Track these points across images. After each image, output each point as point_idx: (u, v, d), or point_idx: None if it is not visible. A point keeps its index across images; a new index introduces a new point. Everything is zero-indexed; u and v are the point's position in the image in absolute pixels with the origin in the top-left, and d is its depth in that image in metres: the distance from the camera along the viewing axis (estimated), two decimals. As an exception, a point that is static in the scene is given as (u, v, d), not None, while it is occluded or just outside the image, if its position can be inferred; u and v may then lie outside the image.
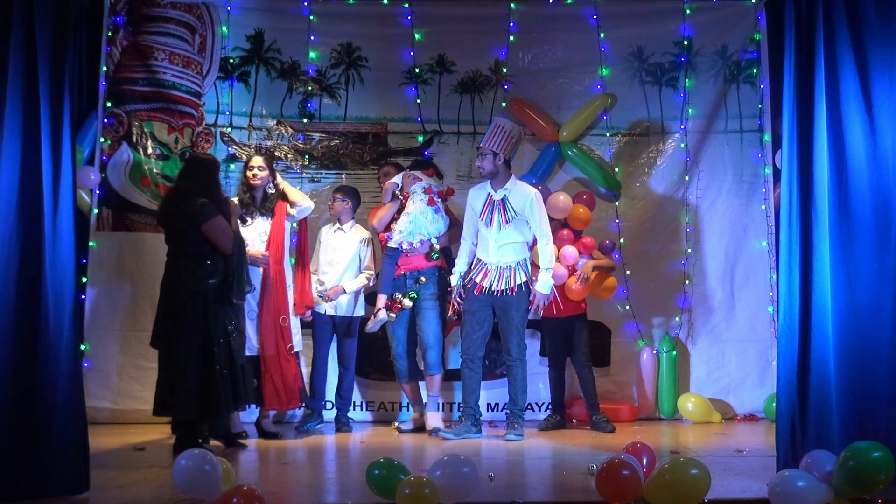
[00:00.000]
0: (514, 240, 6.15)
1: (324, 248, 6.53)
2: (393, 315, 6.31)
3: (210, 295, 5.43)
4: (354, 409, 6.74)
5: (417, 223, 6.27)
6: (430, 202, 6.31)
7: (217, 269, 5.45)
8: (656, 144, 7.20)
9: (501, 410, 6.71)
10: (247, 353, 5.91)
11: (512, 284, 6.09)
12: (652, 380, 6.95)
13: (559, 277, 6.45)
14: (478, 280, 6.15)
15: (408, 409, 6.73)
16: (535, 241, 6.21)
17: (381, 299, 6.32)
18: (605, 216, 7.04)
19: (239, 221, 5.87)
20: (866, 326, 4.36)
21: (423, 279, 6.32)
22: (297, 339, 6.20)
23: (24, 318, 4.19)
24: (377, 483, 4.08)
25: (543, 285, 6.12)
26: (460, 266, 6.28)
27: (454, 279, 6.27)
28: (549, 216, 6.32)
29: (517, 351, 6.13)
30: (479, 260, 6.23)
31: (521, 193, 6.16)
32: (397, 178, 6.48)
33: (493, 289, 6.10)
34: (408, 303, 6.31)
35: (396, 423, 6.63)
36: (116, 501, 4.27)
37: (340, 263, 6.47)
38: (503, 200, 6.13)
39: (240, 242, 5.63)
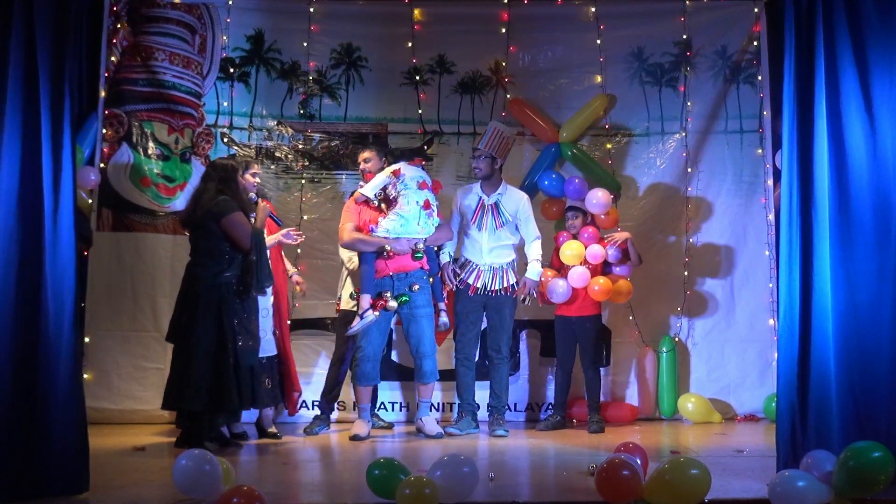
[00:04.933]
0: (506, 242, 6.36)
1: (340, 249, 6.43)
2: (377, 313, 5.99)
3: (224, 289, 5.55)
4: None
5: (407, 227, 6.03)
6: (426, 205, 6.04)
7: (233, 265, 5.60)
8: (656, 144, 7.20)
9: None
10: (267, 355, 5.99)
11: (506, 284, 6.30)
12: (652, 380, 6.96)
13: (581, 279, 6.47)
14: (471, 281, 6.29)
15: (375, 413, 6.59)
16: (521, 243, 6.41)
17: (366, 299, 5.99)
18: (606, 216, 7.04)
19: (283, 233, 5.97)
20: (866, 326, 4.36)
21: (417, 287, 6.09)
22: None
23: (24, 318, 4.18)
24: (377, 483, 4.08)
25: (533, 272, 6.32)
26: (450, 248, 6.39)
27: (444, 257, 6.36)
28: (586, 212, 6.61)
29: (507, 350, 6.38)
30: (468, 261, 6.34)
31: (514, 197, 6.38)
32: (368, 190, 6.09)
33: (487, 289, 6.26)
34: (393, 304, 5.99)
35: (355, 432, 6.07)
36: (116, 501, 4.27)
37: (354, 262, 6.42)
38: (496, 205, 6.30)
39: (260, 240, 5.68)
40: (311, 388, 6.79)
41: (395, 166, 6.15)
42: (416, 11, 7.10)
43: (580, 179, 6.78)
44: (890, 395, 4.31)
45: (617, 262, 6.63)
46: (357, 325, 6.02)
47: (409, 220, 6.02)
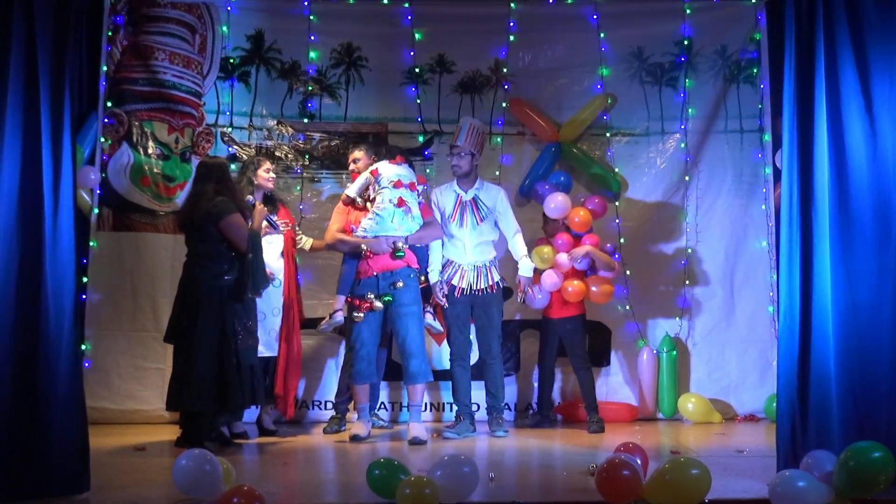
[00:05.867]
0: (488, 238, 6.35)
1: None
2: (361, 315, 5.92)
3: (225, 291, 5.57)
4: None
5: (383, 225, 5.96)
6: (400, 203, 5.97)
7: (233, 267, 5.62)
8: (656, 144, 7.19)
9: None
10: (268, 354, 6.04)
11: (491, 282, 6.28)
12: (652, 380, 6.95)
13: (553, 284, 6.49)
14: (456, 283, 6.26)
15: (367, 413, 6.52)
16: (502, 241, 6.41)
17: (339, 300, 6.06)
18: (605, 216, 7.02)
19: (267, 224, 5.90)
20: (866, 326, 4.36)
21: (401, 283, 6.00)
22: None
23: (24, 318, 4.19)
24: (377, 483, 4.08)
25: (526, 268, 6.32)
26: (436, 263, 6.31)
27: (433, 276, 6.28)
28: (547, 217, 6.62)
29: (497, 348, 6.30)
30: (451, 262, 6.31)
31: (491, 192, 6.38)
32: (352, 191, 6.17)
33: (473, 289, 6.23)
34: (379, 305, 5.91)
35: (354, 433, 6.00)
36: (116, 501, 4.27)
37: None
38: (474, 200, 6.29)
39: (256, 241, 5.68)
40: (310, 387, 6.80)
41: (374, 166, 6.15)
42: (416, 11, 7.08)
43: (550, 185, 6.77)
44: (890, 395, 4.31)
45: (587, 269, 6.60)
46: (324, 325, 6.11)
47: (385, 219, 5.97)
